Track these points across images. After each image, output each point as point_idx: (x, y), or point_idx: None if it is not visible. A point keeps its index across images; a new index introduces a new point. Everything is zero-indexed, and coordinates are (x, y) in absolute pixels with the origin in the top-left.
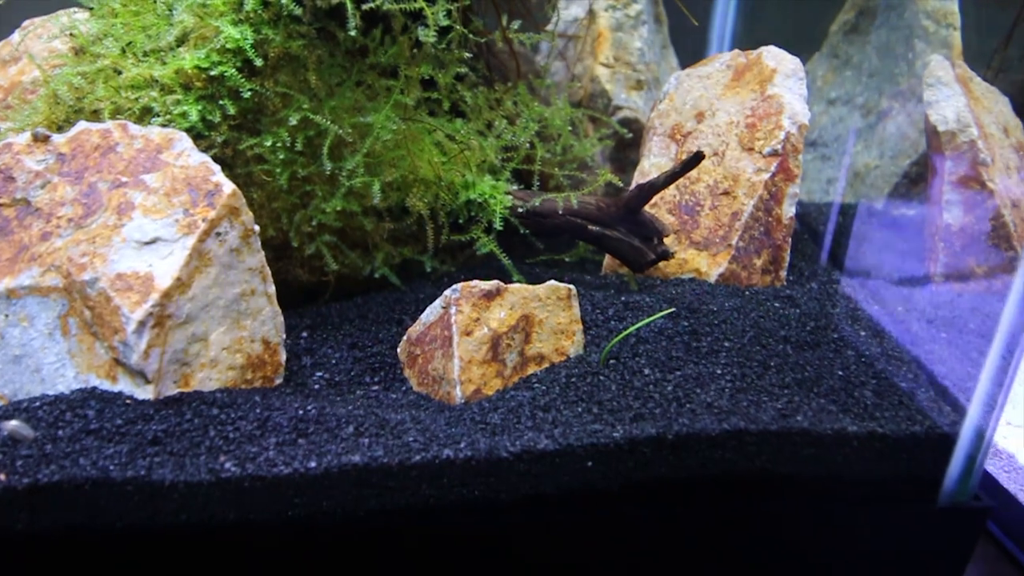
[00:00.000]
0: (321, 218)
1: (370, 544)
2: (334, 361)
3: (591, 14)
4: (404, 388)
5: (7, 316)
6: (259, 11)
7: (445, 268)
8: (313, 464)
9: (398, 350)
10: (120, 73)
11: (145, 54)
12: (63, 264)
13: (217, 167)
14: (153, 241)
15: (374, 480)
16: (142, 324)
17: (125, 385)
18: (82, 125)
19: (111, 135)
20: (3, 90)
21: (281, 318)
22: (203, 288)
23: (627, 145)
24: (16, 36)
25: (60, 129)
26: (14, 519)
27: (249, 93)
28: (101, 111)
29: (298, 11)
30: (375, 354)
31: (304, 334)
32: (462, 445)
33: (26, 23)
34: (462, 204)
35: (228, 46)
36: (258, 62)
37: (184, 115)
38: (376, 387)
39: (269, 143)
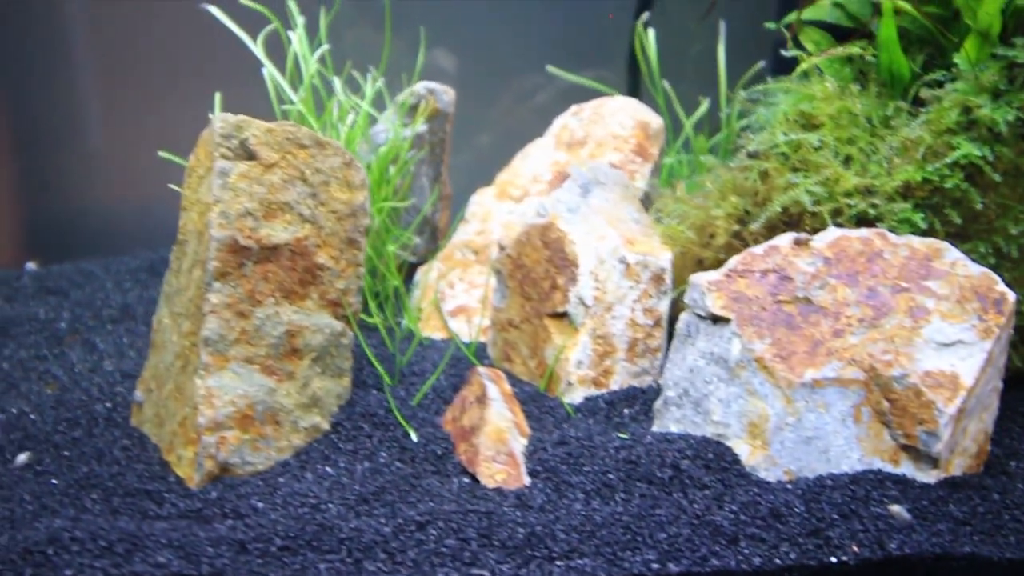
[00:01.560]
0: None
1: None
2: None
3: None
4: None
5: (807, 402)
6: (1004, 131)
7: None
8: None
9: None
10: (834, 180)
11: (864, 166)
12: (864, 359)
13: (998, 277)
14: (953, 343)
15: None
16: (952, 417)
17: (907, 468)
18: (837, 232)
19: (872, 243)
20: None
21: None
22: (980, 385)
23: None
24: (571, 121)
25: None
26: None
27: (980, 205)
28: (811, 214)
29: None
30: None
31: None
32: None
33: (574, 108)
34: None
35: (961, 161)
36: (995, 177)
37: (907, 221)
38: None
39: (982, 249)
